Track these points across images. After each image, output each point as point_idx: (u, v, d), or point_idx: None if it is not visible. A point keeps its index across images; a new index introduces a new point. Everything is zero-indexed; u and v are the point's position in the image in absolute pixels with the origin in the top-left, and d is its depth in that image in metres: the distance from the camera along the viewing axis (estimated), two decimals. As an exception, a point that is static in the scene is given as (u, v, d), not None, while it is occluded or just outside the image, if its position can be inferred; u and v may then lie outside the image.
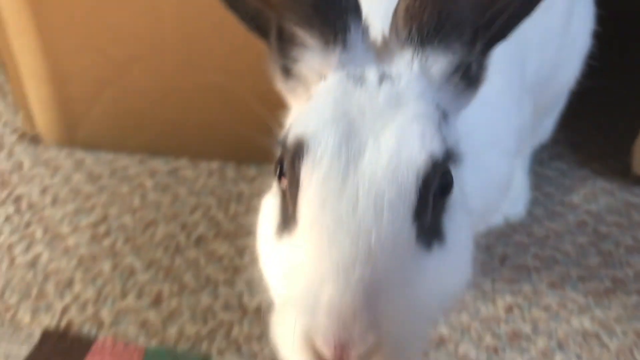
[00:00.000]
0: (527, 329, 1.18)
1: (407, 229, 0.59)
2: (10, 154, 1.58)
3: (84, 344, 1.14)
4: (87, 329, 1.17)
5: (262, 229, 0.72)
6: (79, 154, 1.58)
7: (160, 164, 1.55)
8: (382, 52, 0.70)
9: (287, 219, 0.64)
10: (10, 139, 1.63)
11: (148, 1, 1.31)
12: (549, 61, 1.13)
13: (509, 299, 1.23)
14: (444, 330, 1.17)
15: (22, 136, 1.63)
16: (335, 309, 0.55)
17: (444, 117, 0.66)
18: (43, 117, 1.55)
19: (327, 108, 0.63)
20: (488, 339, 1.16)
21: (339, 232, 0.57)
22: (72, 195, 1.46)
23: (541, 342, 1.15)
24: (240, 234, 1.36)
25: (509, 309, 1.21)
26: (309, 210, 0.60)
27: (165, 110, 1.48)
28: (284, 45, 0.70)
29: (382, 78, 0.65)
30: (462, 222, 0.67)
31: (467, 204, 0.70)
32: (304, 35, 0.67)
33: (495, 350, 1.14)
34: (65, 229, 1.37)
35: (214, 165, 1.55)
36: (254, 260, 1.30)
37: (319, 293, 0.56)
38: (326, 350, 0.56)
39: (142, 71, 1.40)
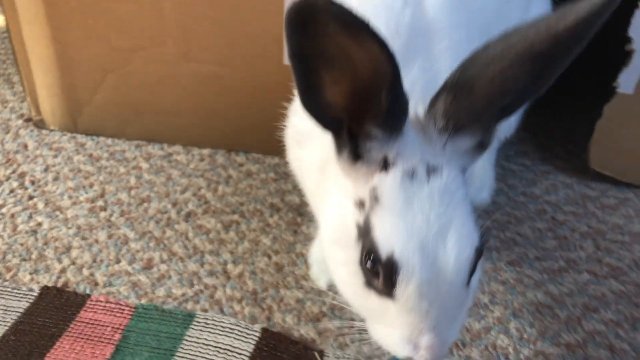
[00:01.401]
0: (485, 299, 1.29)
1: (464, 294, 0.84)
2: (15, 136, 1.69)
3: (79, 300, 1.25)
4: (82, 288, 1.28)
5: (342, 272, 0.91)
6: (81, 139, 1.70)
7: (155, 149, 1.67)
8: (422, 140, 0.85)
9: (377, 286, 0.84)
10: (16, 123, 1.75)
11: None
12: None
13: (470, 273, 1.34)
14: (409, 298, 1.28)
15: (28, 121, 1.75)
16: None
17: (463, 173, 0.86)
18: (48, 103, 1.67)
19: (403, 225, 0.80)
20: (449, 307, 1.27)
21: (432, 311, 0.81)
22: (72, 173, 1.57)
23: (497, 311, 1.26)
24: (227, 212, 1.47)
25: (470, 282, 1.32)
26: (409, 299, 0.81)
27: (163, 99, 1.60)
28: (355, 137, 0.84)
29: (428, 171, 0.82)
30: None
31: None
32: (375, 130, 0.82)
33: (455, 316, 1.25)
34: (65, 202, 1.48)
35: (205, 151, 1.67)
36: (239, 234, 1.42)
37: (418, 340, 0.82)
38: None
39: (143, 60, 1.53)
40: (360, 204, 0.85)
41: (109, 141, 1.69)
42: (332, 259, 0.92)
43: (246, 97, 1.53)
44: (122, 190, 1.52)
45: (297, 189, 1.55)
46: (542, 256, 1.39)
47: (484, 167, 1.55)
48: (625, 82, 1.43)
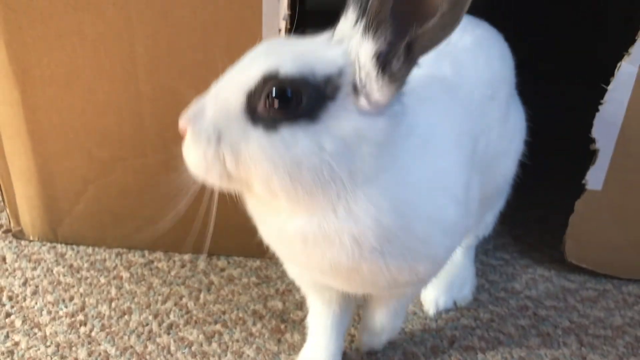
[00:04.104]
0: (473, 405, 1.28)
1: (238, 111, 0.87)
2: (-6, 248, 1.68)
3: None
4: (61, 412, 1.24)
5: None
6: (61, 249, 1.69)
7: (136, 257, 1.66)
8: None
9: None
10: (-6, 234, 1.74)
11: (132, 107, 1.47)
12: (493, 144, 1.26)
13: (457, 377, 1.33)
14: (397, 407, 1.26)
15: (7, 232, 1.74)
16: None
17: (354, 89, 0.87)
18: (28, 215, 1.66)
19: None
20: (438, 416, 1.25)
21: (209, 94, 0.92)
22: (52, 286, 1.55)
23: (486, 418, 1.25)
24: (209, 322, 1.46)
25: (457, 387, 1.31)
26: None
27: (143, 206, 1.61)
28: None
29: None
30: (303, 134, 0.85)
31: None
32: None
33: None
34: (44, 318, 1.45)
35: (187, 257, 1.66)
36: (221, 346, 1.40)
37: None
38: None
39: (124, 171, 1.55)
40: None
41: (89, 250, 1.68)
42: None
43: (224, 200, 1.55)
44: (102, 303, 1.50)
45: (279, 293, 1.55)
46: (526, 356, 1.39)
47: (464, 263, 1.57)
48: (593, 179, 1.48)
